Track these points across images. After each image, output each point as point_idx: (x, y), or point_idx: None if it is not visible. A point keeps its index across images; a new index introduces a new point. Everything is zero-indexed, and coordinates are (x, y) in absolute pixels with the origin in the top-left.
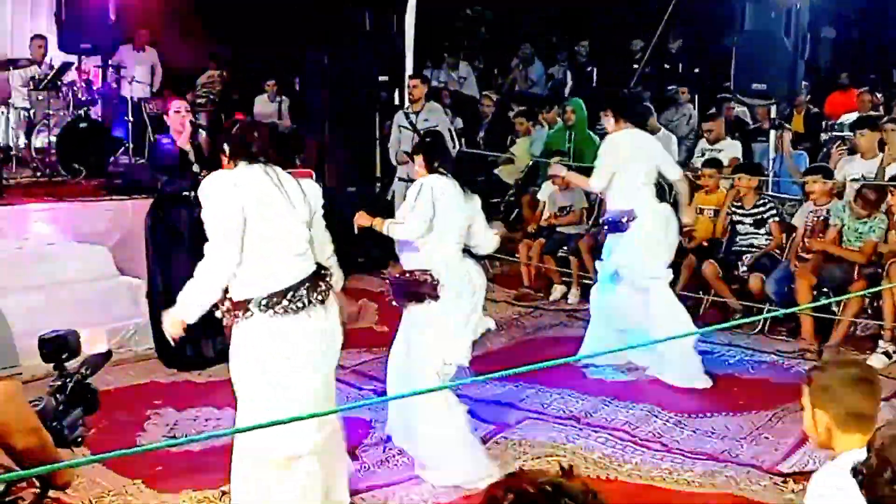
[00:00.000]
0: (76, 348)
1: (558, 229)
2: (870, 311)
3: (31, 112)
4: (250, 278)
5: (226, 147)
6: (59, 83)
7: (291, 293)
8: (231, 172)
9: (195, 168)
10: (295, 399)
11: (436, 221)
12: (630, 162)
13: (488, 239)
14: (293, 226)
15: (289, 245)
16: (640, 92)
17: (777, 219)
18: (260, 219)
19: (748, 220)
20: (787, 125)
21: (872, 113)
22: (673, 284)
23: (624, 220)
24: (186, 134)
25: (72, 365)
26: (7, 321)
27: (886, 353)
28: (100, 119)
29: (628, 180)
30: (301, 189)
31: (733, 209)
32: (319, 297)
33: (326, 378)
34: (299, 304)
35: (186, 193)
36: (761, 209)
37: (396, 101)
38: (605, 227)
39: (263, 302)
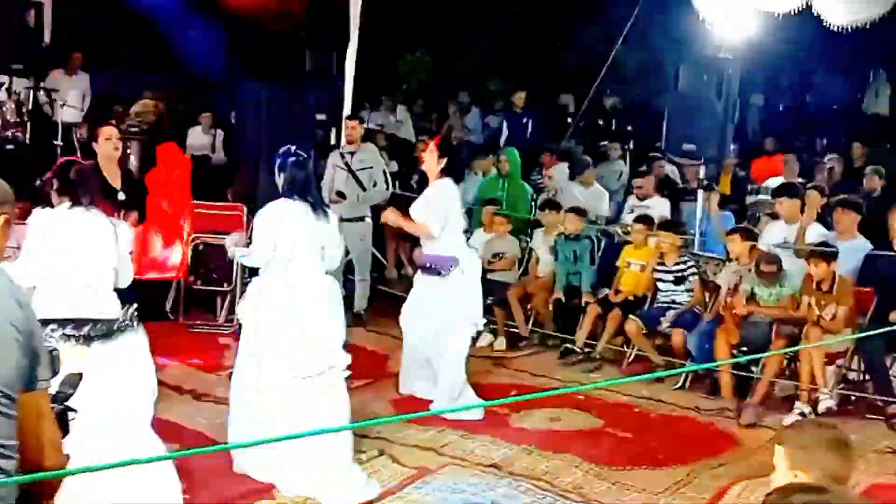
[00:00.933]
0: (56, 367)
1: (489, 276)
2: (787, 373)
3: None
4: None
5: (55, 184)
6: None
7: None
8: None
9: (119, 196)
10: None
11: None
12: (457, 210)
13: (333, 257)
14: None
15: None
16: (572, 146)
17: (697, 277)
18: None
19: (669, 277)
20: (714, 186)
21: (795, 180)
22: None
23: (448, 266)
24: (114, 162)
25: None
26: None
27: (802, 414)
28: (28, 142)
29: (456, 227)
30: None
31: (655, 266)
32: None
33: None
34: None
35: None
36: (682, 267)
37: (333, 141)
38: (426, 271)
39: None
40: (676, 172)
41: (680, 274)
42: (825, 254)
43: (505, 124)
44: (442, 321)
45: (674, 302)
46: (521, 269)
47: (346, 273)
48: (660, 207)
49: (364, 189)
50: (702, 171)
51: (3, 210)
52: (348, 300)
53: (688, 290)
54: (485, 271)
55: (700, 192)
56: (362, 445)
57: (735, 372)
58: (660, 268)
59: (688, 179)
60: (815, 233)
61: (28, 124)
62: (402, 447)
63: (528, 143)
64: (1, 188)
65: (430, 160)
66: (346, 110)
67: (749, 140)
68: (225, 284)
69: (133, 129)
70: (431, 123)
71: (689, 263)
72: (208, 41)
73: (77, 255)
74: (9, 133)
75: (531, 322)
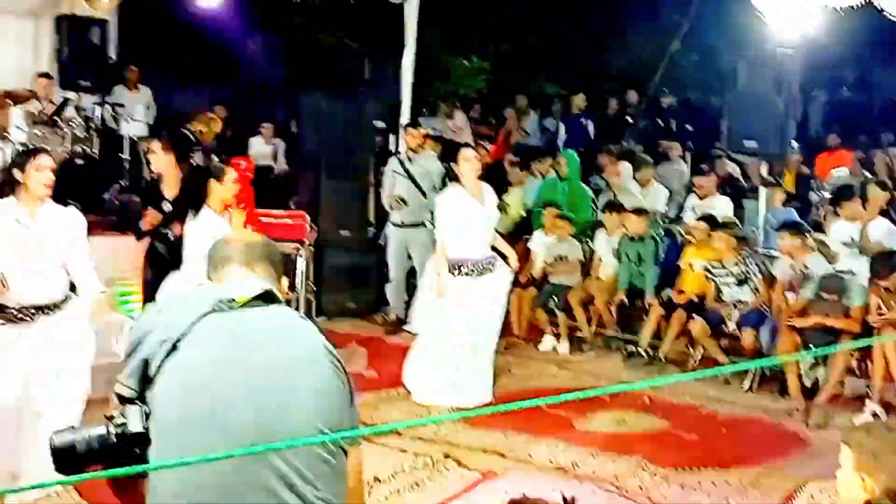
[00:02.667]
0: None
1: (551, 280)
2: (857, 372)
3: (29, 147)
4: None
5: None
6: (58, 119)
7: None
8: None
9: (165, 207)
10: None
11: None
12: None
13: None
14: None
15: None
16: (632, 146)
17: (761, 275)
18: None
19: (730, 279)
20: (779, 181)
21: (858, 175)
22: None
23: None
24: (168, 174)
25: None
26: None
27: (874, 415)
28: (96, 156)
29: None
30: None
31: (714, 269)
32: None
33: None
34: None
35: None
36: (742, 268)
37: (392, 148)
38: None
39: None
40: (738, 170)
41: (742, 276)
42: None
43: (562, 127)
44: (486, 321)
45: (739, 302)
46: (583, 272)
47: (409, 278)
48: (722, 206)
49: (425, 195)
50: (764, 169)
51: (283, 270)
52: (410, 305)
53: (752, 290)
54: (546, 274)
55: (763, 190)
56: (427, 449)
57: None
58: (718, 270)
59: (750, 177)
60: (880, 229)
61: (96, 139)
62: (467, 450)
63: (586, 145)
64: (275, 247)
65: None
66: (405, 117)
67: (811, 136)
68: (289, 292)
69: (195, 142)
70: (490, 128)
71: (750, 262)
72: (267, 52)
73: None
74: (78, 148)
75: (594, 325)
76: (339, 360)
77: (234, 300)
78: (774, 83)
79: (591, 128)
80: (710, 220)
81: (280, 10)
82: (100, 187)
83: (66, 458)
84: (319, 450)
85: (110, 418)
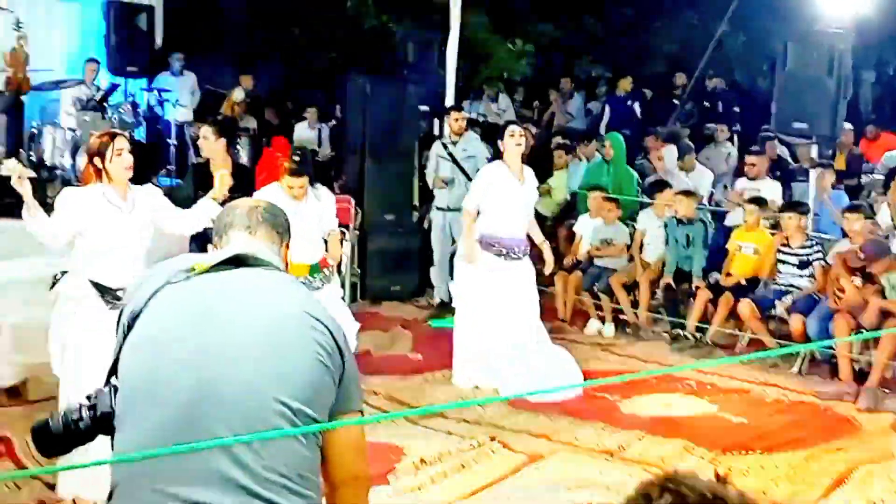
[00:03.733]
0: None
1: (596, 262)
2: None
3: (77, 132)
4: None
5: None
6: (106, 105)
7: None
8: None
9: None
10: None
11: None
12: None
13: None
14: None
15: None
16: (678, 129)
17: (823, 261)
18: None
19: (793, 259)
20: (830, 162)
21: None
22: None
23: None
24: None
25: None
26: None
27: None
28: (143, 141)
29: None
30: None
31: (780, 248)
32: None
33: None
34: None
35: None
36: (808, 251)
37: (436, 132)
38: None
39: None
40: (787, 152)
41: (805, 257)
42: None
43: (607, 109)
44: (529, 304)
45: (792, 286)
46: (628, 255)
47: (453, 261)
48: (771, 190)
49: (469, 178)
50: (814, 151)
51: (288, 237)
52: None
53: (810, 276)
54: (592, 257)
55: (812, 172)
56: (473, 431)
57: (852, 356)
58: (784, 249)
59: (800, 159)
60: None
61: (143, 124)
62: (513, 433)
63: (631, 128)
64: (283, 213)
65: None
66: (449, 101)
67: (862, 117)
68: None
69: (241, 126)
70: (533, 111)
71: (816, 247)
72: (312, 37)
73: None
74: (125, 133)
75: (641, 308)
76: (326, 331)
77: (193, 268)
78: (825, 63)
79: (636, 110)
80: (759, 201)
81: None
82: (147, 172)
83: (43, 440)
84: (278, 421)
85: (89, 397)
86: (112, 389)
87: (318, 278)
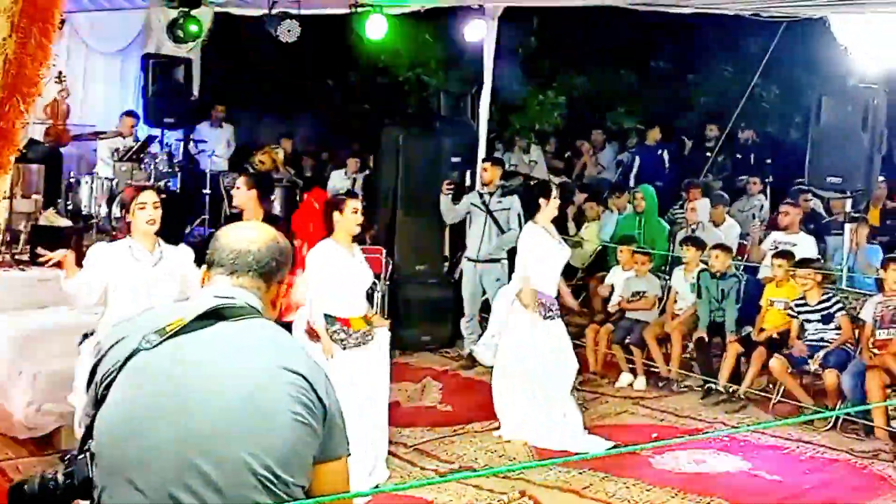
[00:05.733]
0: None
1: (627, 315)
2: None
3: (114, 182)
4: None
5: None
6: (143, 155)
7: None
8: None
9: None
10: None
11: None
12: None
13: None
14: None
15: None
16: (710, 180)
17: (845, 313)
18: None
19: (815, 315)
20: (865, 216)
21: None
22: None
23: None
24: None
25: None
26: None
27: None
28: (179, 191)
29: None
30: None
31: (798, 307)
32: None
33: None
34: None
35: None
36: (827, 304)
37: (468, 183)
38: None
39: None
40: (820, 205)
41: (826, 311)
42: None
43: (637, 160)
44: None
45: (822, 340)
46: (659, 308)
47: (483, 313)
48: (805, 244)
49: (502, 231)
50: (848, 204)
51: (283, 274)
52: None
53: (836, 329)
54: (623, 310)
55: (847, 226)
56: (503, 487)
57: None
58: (803, 307)
59: (834, 213)
60: None
61: (179, 174)
62: (544, 488)
63: (661, 178)
64: (280, 250)
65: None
66: (481, 152)
67: None
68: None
69: (277, 177)
70: (564, 162)
71: (835, 300)
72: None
73: None
74: (161, 183)
75: (673, 362)
76: (305, 384)
77: (164, 329)
78: (859, 118)
79: (666, 159)
80: (788, 255)
81: (359, 47)
82: (182, 222)
83: (16, 499)
84: (256, 494)
85: (66, 460)
86: (89, 456)
87: (370, 329)
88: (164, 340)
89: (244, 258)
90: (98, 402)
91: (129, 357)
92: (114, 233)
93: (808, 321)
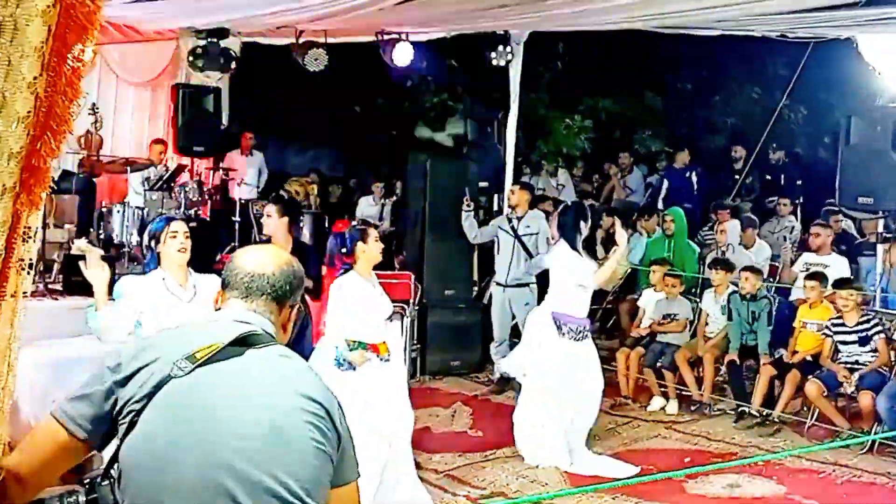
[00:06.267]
0: None
1: (658, 338)
2: None
3: (145, 211)
4: None
5: None
6: (173, 184)
7: None
8: None
9: None
10: None
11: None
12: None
13: None
14: None
15: None
16: (740, 203)
17: (883, 335)
18: None
19: (852, 337)
20: None
21: None
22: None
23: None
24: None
25: None
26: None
27: None
28: (209, 219)
29: None
30: None
31: (834, 327)
32: None
33: None
34: None
35: None
36: (865, 326)
37: (496, 208)
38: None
39: None
40: (852, 226)
41: (864, 333)
42: None
43: (665, 182)
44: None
45: (857, 363)
46: (691, 331)
47: (513, 337)
48: (837, 265)
49: (530, 255)
50: (880, 224)
51: (296, 298)
52: None
53: (872, 351)
54: (653, 333)
55: (880, 247)
56: None
57: None
58: (840, 328)
59: (866, 233)
60: None
61: (209, 203)
62: None
63: (690, 201)
64: (293, 274)
65: None
66: (508, 176)
67: None
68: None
69: (304, 204)
70: (592, 185)
71: (874, 322)
72: (374, 114)
73: None
74: (192, 212)
75: (706, 385)
76: (322, 409)
77: (195, 356)
78: (889, 138)
79: (694, 182)
80: (819, 278)
81: (386, 73)
82: (212, 250)
83: None
84: None
85: (84, 484)
86: (113, 482)
87: (389, 354)
88: (196, 367)
89: (258, 281)
90: (128, 428)
91: (159, 384)
92: (144, 261)
93: (844, 343)
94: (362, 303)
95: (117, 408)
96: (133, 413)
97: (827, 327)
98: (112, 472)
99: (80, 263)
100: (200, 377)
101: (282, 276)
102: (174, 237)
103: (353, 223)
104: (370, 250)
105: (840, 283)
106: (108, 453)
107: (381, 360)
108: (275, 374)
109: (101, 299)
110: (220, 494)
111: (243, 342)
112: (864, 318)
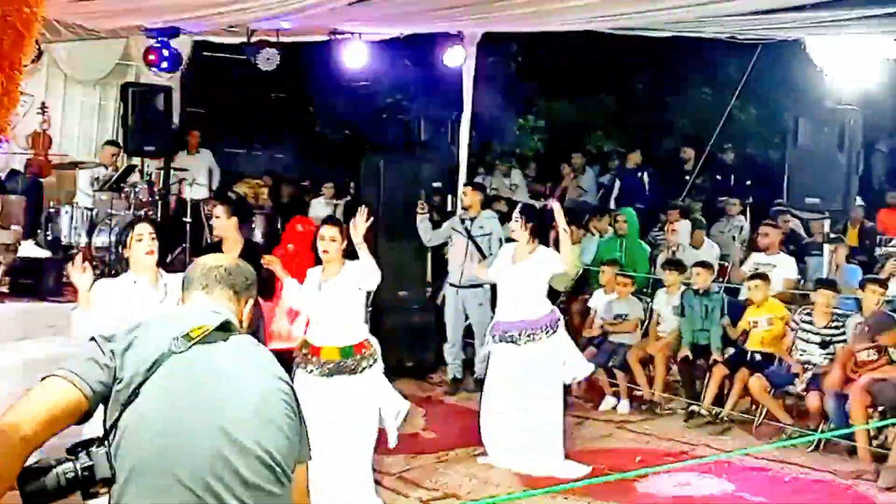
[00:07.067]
0: None
1: (610, 338)
2: None
3: (94, 212)
4: None
5: None
6: (123, 184)
7: None
8: None
9: None
10: None
11: None
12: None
13: None
14: None
15: None
16: (690, 203)
17: (844, 343)
18: None
19: (816, 338)
20: (843, 238)
21: None
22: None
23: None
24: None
25: None
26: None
27: None
28: (160, 220)
29: None
30: None
31: (801, 323)
32: None
33: None
34: None
35: None
36: (833, 331)
37: (450, 208)
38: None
39: None
40: (800, 226)
41: (829, 338)
42: None
43: (617, 183)
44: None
45: (809, 363)
46: (642, 330)
47: (466, 338)
48: (785, 265)
49: (483, 255)
50: (827, 225)
51: (251, 293)
52: (468, 365)
53: (830, 355)
54: (605, 333)
55: (826, 247)
56: None
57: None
58: (807, 327)
59: (813, 233)
60: None
61: (159, 203)
62: None
63: (642, 201)
64: (247, 272)
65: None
66: (462, 177)
67: (875, 191)
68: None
69: (256, 205)
70: (546, 186)
71: (841, 329)
72: (326, 114)
73: None
74: (142, 212)
75: (657, 384)
76: (291, 392)
77: (190, 335)
78: (836, 139)
79: (646, 182)
80: (763, 278)
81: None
82: (163, 251)
83: (36, 497)
84: (271, 486)
85: (74, 453)
86: (109, 450)
87: (353, 362)
88: (193, 345)
89: (216, 271)
90: (130, 397)
91: (159, 358)
92: (94, 263)
93: (806, 341)
94: (312, 302)
95: (116, 377)
96: (136, 385)
97: (794, 321)
98: (109, 439)
99: (68, 265)
100: (198, 353)
101: (236, 268)
102: (140, 240)
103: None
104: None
105: (822, 284)
106: (91, 427)
107: (319, 368)
108: (256, 358)
109: (84, 301)
110: (218, 458)
111: (226, 328)
112: (834, 324)
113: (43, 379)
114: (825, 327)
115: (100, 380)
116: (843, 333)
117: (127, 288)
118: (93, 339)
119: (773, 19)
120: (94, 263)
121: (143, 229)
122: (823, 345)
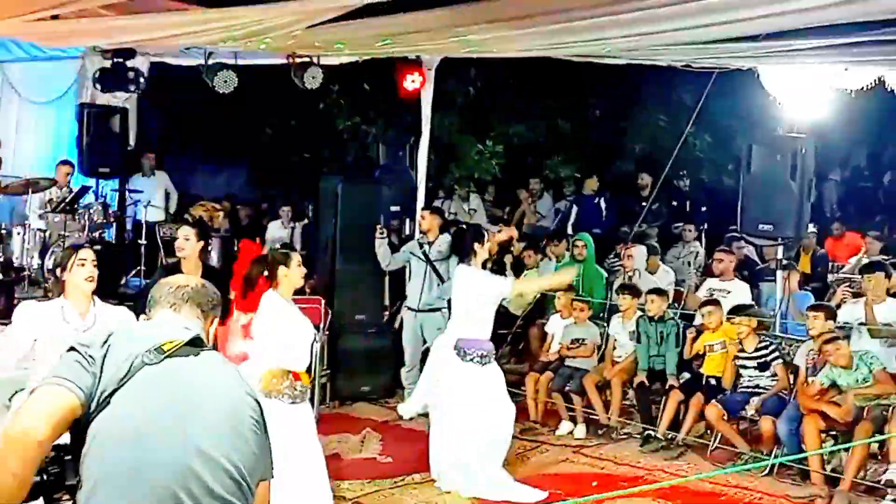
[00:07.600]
0: None
1: (567, 363)
2: (879, 456)
3: (47, 233)
4: None
5: None
6: (76, 206)
7: None
8: None
9: None
10: None
11: None
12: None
13: None
14: None
15: None
16: (646, 229)
17: (780, 360)
18: None
19: (751, 363)
20: (794, 265)
21: (881, 257)
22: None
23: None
24: (191, 260)
25: None
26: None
27: None
28: (114, 241)
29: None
30: None
31: (736, 353)
32: None
33: None
34: None
35: None
36: (764, 352)
37: (407, 232)
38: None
39: None
40: (754, 252)
41: (763, 359)
42: None
43: (575, 208)
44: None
45: (758, 387)
46: (598, 355)
47: (424, 363)
48: (739, 291)
49: (442, 280)
50: (780, 251)
51: (216, 312)
52: None
53: (772, 375)
54: (562, 357)
55: (779, 273)
56: None
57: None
58: (741, 354)
59: (766, 259)
60: (887, 310)
61: (114, 225)
62: None
63: (599, 227)
64: (212, 293)
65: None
66: (420, 201)
67: (827, 218)
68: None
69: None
70: (504, 211)
71: (772, 347)
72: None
73: None
74: (96, 234)
75: (613, 409)
76: (258, 408)
77: (162, 348)
78: (788, 167)
79: (603, 208)
80: (716, 303)
81: (298, 96)
82: (117, 273)
83: None
84: (235, 499)
85: (47, 464)
86: (78, 458)
87: (290, 392)
88: (165, 358)
89: (184, 290)
90: (100, 406)
91: (131, 369)
92: (45, 285)
93: (745, 367)
94: (289, 326)
95: (98, 384)
96: (108, 393)
97: (735, 355)
98: (77, 446)
99: None
100: (170, 366)
101: (202, 288)
102: (83, 265)
103: (276, 247)
104: (292, 275)
105: (736, 310)
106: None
107: (295, 394)
108: (226, 373)
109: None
110: (187, 469)
111: (197, 343)
112: (763, 344)
113: (33, 391)
114: (755, 350)
115: (88, 385)
116: (776, 351)
117: (52, 313)
118: (72, 348)
119: (727, 48)
120: (46, 285)
121: (87, 255)
122: (761, 367)
